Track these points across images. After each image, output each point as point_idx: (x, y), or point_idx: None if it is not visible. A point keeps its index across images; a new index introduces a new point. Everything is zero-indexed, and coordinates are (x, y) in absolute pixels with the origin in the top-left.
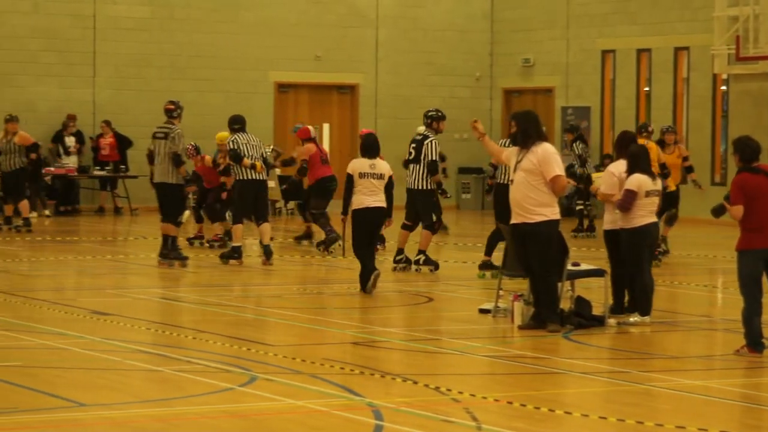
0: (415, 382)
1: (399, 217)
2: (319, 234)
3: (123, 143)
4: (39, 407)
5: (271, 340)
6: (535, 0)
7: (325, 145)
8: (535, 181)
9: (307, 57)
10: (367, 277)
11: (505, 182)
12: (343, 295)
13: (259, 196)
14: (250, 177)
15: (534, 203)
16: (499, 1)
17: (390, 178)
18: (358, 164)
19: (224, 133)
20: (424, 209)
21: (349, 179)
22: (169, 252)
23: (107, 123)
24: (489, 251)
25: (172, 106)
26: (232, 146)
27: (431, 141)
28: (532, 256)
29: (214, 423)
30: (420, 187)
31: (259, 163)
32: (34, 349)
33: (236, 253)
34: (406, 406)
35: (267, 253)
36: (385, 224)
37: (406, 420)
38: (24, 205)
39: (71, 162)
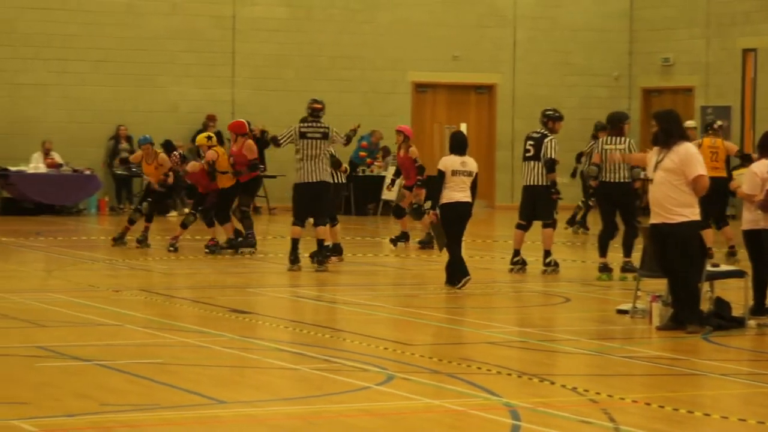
0: (552, 383)
1: (510, 216)
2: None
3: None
4: (180, 404)
5: (408, 339)
6: None
7: None
8: (676, 180)
9: (445, 57)
10: (454, 269)
11: (610, 180)
12: (477, 295)
13: (325, 197)
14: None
15: (675, 203)
16: (638, 0)
17: (476, 175)
18: (450, 162)
19: (202, 136)
20: (545, 206)
21: (441, 175)
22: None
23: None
24: (603, 253)
25: (320, 106)
26: (332, 151)
27: (551, 139)
28: (673, 256)
29: (352, 421)
30: (539, 184)
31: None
32: (174, 346)
33: (336, 252)
34: (543, 406)
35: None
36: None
37: (543, 420)
38: None
39: None
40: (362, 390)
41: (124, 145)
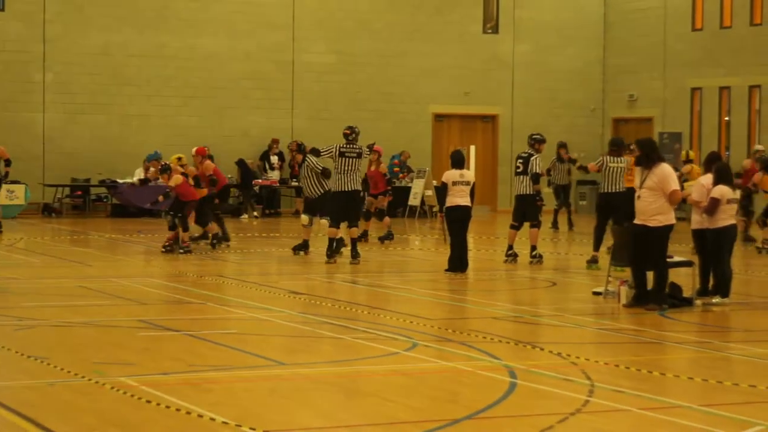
0: (542, 349)
1: (509, 219)
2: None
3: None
4: (250, 365)
5: (428, 314)
6: (638, 49)
7: (471, 163)
8: (656, 194)
9: (458, 93)
10: (454, 258)
11: (610, 191)
12: (481, 280)
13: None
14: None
15: (654, 212)
16: (610, 50)
17: (473, 184)
18: (451, 175)
19: (174, 157)
20: (532, 211)
21: (444, 186)
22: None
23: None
24: (597, 247)
25: (348, 131)
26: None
27: (536, 158)
28: (652, 251)
29: (384, 379)
30: (527, 193)
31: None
32: (245, 320)
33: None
34: (535, 367)
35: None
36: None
37: (535, 378)
38: None
39: (274, 175)
40: (393, 355)
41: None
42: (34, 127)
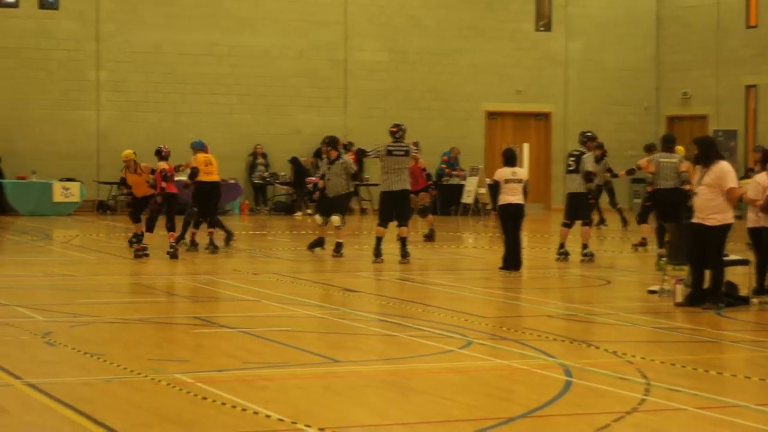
0: (597, 347)
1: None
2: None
3: (361, 159)
4: (304, 362)
5: (482, 312)
6: (692, 46)
7: (525, 161)
8: (714, 192)
9: (511, 91)
10: (509, 256)
11: (663, 187)
12: (534, 278)
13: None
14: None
15: (713, 210)
16: (663, 47)
17: (526, 181)
18: (503, 172)
19: (128, 151)
20: (583, 210)
21: (497, 184)
22: (405, 249)
23: (350, 143)
24: (662, 244)
25: (395, 129)
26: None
27: (588, 156)
28: (709, 250)
29: (440, 377)
30: (579, 191)
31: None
32: (300, 317)
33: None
34: (590, 366)
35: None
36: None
37: (590, 377)
38: None
39: None
40: (447, 353)
41: (260, 160)
42: (88, 125)
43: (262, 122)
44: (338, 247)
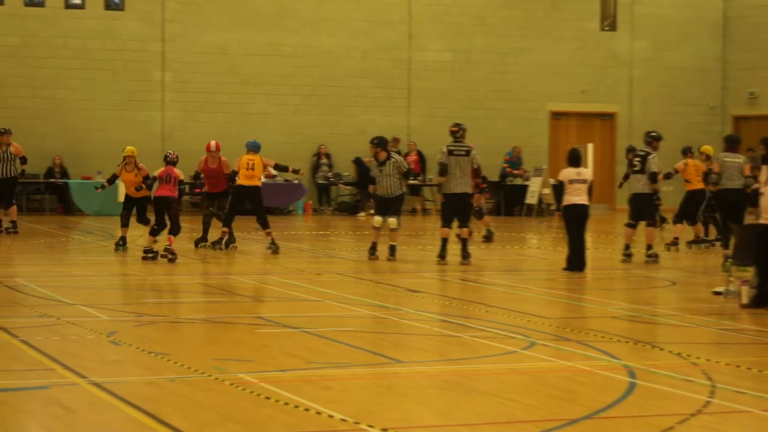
0: (661, 349)
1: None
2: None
3: (423, 159)
4: (367, 362)
5: (546, 313)
6: (758, 45)
7: (589, 161)
8: None
9: (575, 91)
10: (573, 257)
11: (728, 187)
12: (598, 279)
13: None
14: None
15: None
16: (729, 46)
17: (591, 182)
18: (567, 173)
19: (131, 147)
20: (648, 210)
21: (561, 184)
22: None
23: (413, 144)
24: (728, 245)
25: (456, 128)
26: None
27: (653, 156)
28: None
29: (503, 378)
30: (644, 192)
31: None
32: (362, 317)
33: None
34: (655, 367)
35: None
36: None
37: (655, 379)
38: (13, 210)
39: None
40: (510, 353)
41: (324, 160)
42: (153, 126)
43: (326, 122)
44: (392, 250)
